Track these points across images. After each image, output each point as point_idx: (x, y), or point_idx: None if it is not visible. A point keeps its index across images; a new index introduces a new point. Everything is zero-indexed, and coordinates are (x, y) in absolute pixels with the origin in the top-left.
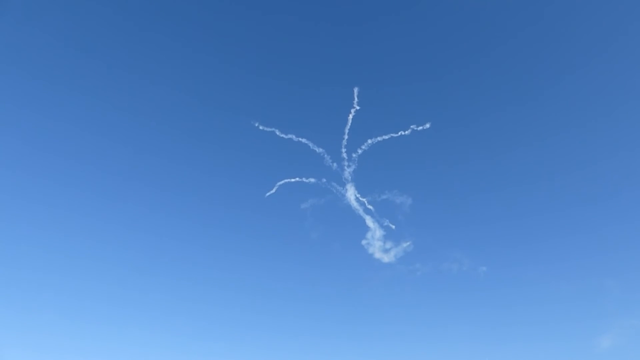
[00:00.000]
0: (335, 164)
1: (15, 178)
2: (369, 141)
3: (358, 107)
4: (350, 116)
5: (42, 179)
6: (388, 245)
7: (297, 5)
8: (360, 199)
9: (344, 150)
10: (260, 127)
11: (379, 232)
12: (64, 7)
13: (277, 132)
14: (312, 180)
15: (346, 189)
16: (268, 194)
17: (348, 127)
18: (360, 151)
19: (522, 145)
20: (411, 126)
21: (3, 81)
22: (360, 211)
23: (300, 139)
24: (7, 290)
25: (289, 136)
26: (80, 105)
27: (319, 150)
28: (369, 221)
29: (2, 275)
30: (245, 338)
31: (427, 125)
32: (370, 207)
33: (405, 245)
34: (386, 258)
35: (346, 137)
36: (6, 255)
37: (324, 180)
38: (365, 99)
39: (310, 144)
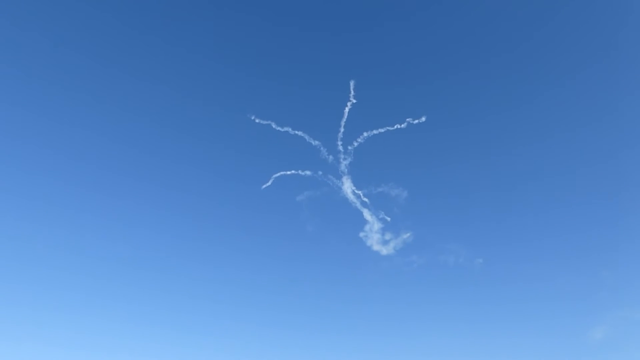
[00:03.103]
0: (331, 157)
1: (14, 176)
2: (365, 134)
3: (354, 100)
4: (347, 109)
5: (43, 177)
6: (387, 236)
7: None
8: (356, 191)
9: (340, 143)
10: (256, 120)
11: (376, 225)
12: (59, 6)
13: (273, 125)
14: (308, 172)
15: (342, 182)
16: (264, 186)
17: (344, 120)
18: (356, 144)
19: (518, 140)
20: (407, 119)
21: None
22: (357, 204)
23: (296, 132)
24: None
25: (285, 129)
26: (74, 102)
27: (315, 143)
28: (367, 214)
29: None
30: (240, 333)
31: (423, 119)
32: (365, 199)
33: (405, 236)
34: (384, 250)
35: (342, 130)
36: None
37: (320, 172)
38: (361, 92)
39: (306, 137)
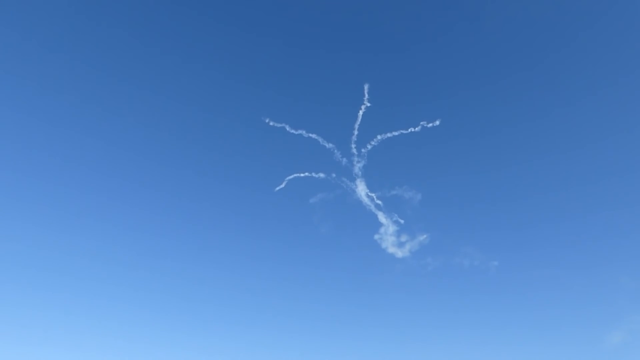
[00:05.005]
0: (345, 160)
1: (17, 179)
2: (379, 137)
3: (368, 104)
4: (361, 112)
5: (54, 183)
6: (402, 238)
7: (307, 1)
8: (370, 194)
9: (353, 145)
10: (271, 123)
11: (391, 227)
12: (63, 7)
13: (287, 128)
14: (322, 175)
15: (356, 185)
16: (277, 188)
17: (358, 123)
18: (369, 147)
19: (535, 145)
20: (421, 122)
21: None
22: (371, 207)
23: (310, 135)
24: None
25: (299, 132)
26: (87, 108)
27: (328, 145)
28: (381, 216)
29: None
30: (252, 337)
31: (437, 122)
32: (379, 202)
33: (421, 238)
34: (400, 253)
35: (356, 132)
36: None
37: (334, 175)
38: (375, 95)
39: (320, 140)
